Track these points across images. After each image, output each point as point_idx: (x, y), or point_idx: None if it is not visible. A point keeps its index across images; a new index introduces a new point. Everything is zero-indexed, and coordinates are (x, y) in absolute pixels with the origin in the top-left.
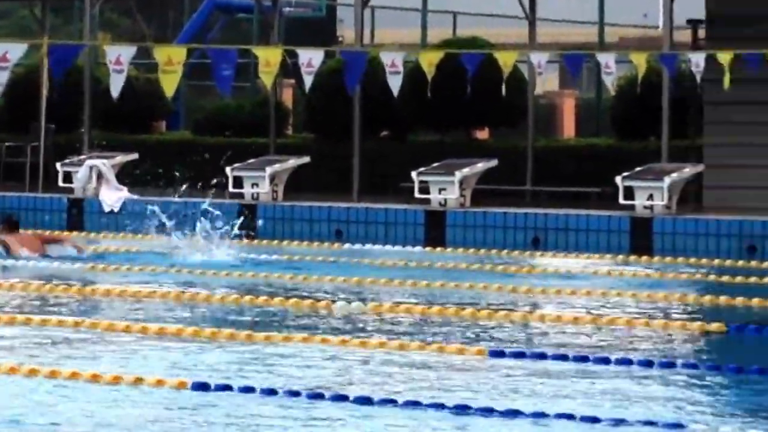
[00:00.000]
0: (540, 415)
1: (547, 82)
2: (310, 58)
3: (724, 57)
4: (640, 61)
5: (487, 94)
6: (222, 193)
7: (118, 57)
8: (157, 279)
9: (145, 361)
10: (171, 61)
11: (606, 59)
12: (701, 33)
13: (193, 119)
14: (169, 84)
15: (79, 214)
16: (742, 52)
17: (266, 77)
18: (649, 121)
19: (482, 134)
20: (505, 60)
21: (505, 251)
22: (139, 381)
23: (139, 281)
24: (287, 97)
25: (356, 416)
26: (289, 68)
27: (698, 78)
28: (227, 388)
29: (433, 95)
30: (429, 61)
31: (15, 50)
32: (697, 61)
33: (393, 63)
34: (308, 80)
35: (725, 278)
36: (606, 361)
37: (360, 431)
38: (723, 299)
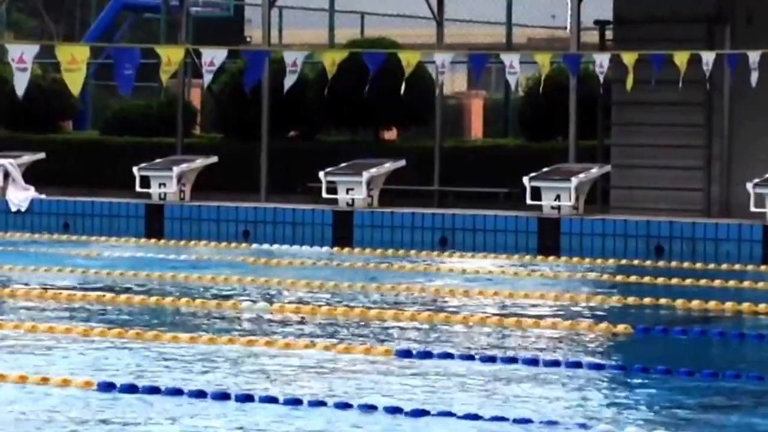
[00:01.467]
0: (446, 414)
1: (455, 82)
2: (213, 57)
3: (629, 58)
4: (544, 61)
5: (393, 95)
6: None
7: (21, 55)
8: (60, 278)
9: (52, 360)
10: (74, 60)
11: (510, 59)
12: (609, 34)
13: (101, 119)
14: (74, 83)
15: None
16: (646, 53)
17: (165, 76)
18: (557, 122)
19: (390, 135)
20: (408, 60)
21: (413, 251)
22: (45, 380)
23: (45, 280)
24: (195, 97)
25: (268, 417)
26: (198, 68)
27: (601, 78)
28: (133, 388)
29: (339, 95)
30: (331, 61)
31: None
32: (601, 61)
33: (294, 62)
34: (208, 78)
35: (633, 279)
36: (513, 361)
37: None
38: (630, 300)
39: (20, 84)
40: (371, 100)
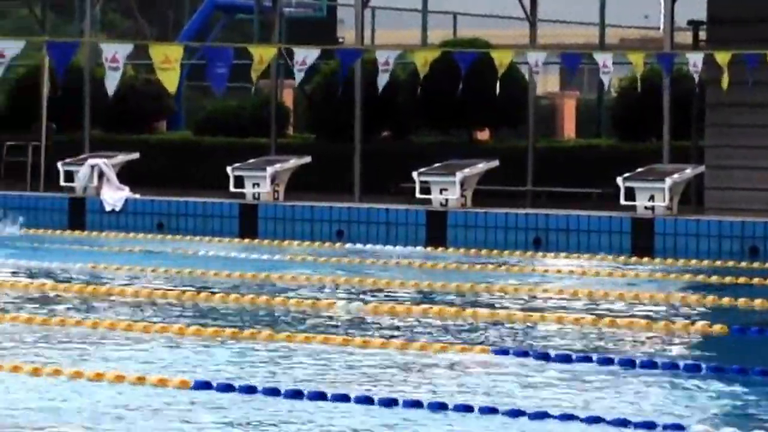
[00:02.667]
0: (543, 415)
1: (548, 83)
2: (305, 56)
3: (722, 58)
4: (637, 60)
5: (486, 95)
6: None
7: (114, 54)
8: (155, 277)
9: (147, 359)
10: (168, 59)
11: (604, 59)
12: (702, 34)
13: (194, 120)
14: (169, 81)
15: (81, 214)
16: (740, 53)
17: (256, 74)
18: (651, 122)
19: (483, 135)
20: (501, 59)
21: (507, 252)
22: (141, 380)
23: (140, 279)
24: (288, 97)
25: (358, 415)
26: (291, 68)
27: (696, 78)
28: (229, 387)
29: (432, 96)
30: (424, 60)
31: (11, 48)
32: (695, 61)
33: (386, 61)
34: (299, 77)
35: (727, 279)
36: (608, 362)
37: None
38: (725, 300)
39: (111, 83)
40: (464, 101)
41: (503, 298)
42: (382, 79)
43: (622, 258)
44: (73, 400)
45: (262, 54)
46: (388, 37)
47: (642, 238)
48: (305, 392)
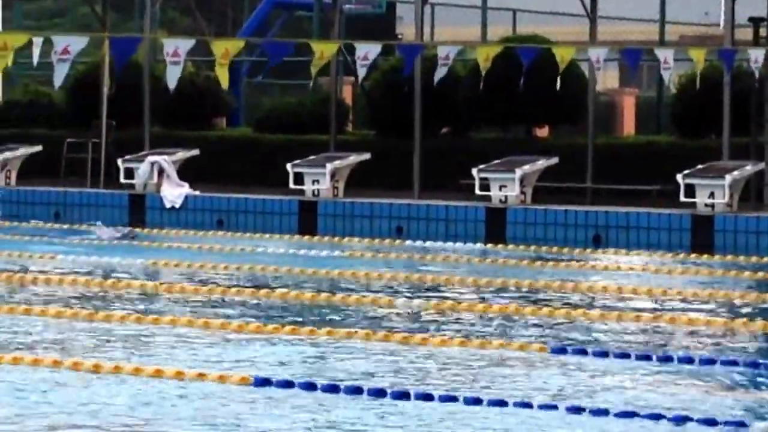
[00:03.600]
0: (602, 412)
1: (607, 79)
2: (367, 52)
3: None
4: (698, 56)
5: (546, 91)
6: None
7: (176, 49)
8: (215, 273)
9: (206, 356)
10: (228, 54)
11: (665, 55)
12: (763, 31)
13: (254, 116)
14: (224, 76)
15: (141, 211)
16: None
17: (315, 69)
18: (711, 119)
19: (542, 132)
20: (563, 55)
21: (566, 248)
22: (202, 376)
23: (200, 275)
24: (347, 94)
25: (415, 412)
26: (350, 65)
27: (756, 74)
28: (289, 384)
29: (492, 92)
30: (485, 56)
31: (76, 44)
32: (756, 57)
33: (446, 56)
34: (362, 72)
35: None
36: (668, 359)
37: (420, 427)
38: None
39: (172, 78)
40: (524, 97)
41: (562, 295)
42: (440, 73)
43: (681, 255)
44: (129, 397)
45: (323, 50)
46: (447, 34)
47: (702, 235)
48: (365, 389)
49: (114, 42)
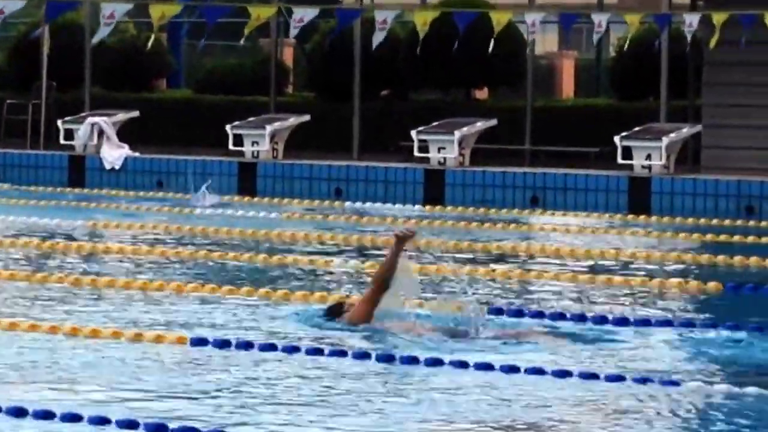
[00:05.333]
0: (537, 371)
1: (547, 43)
2: (303, 15)
3: (718, 18)
4: (633, 21)
5: (485, 54)
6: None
7: (112, 12)
8: (154, 234)
9: (143, 316)
10: (164, 17)
11: (600, 19)
12: None
13: (194, 78)
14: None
15: (81, 172)
16: (736, 13)
17: (248, 29)
18: (649, 82)
19: (482, 94)
20: (499, 19)
21: (504, 210)
22: (138, 336)
23: (139, 236)
24: (288, 56)
25: (352, 370)
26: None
27: (689, 37)
28: (226, 344)
29: (431, 55)
30: (423, 20)
31: (10, 4)
32: (691, 21)
33: (384, 20)
34: (293, 33)
35: (723, 238)
36: (604, 319)
37: (356, 384)
38: (720, 259)
39: (100, 35)
40: (462, 60)
41: (500, 256)
42: (378, 37)
43: (618, 216)
44: (71, 357)
45: (260, 13)
46: None
47: (639, 197)
48: (302, 348)
49: (50, 4)
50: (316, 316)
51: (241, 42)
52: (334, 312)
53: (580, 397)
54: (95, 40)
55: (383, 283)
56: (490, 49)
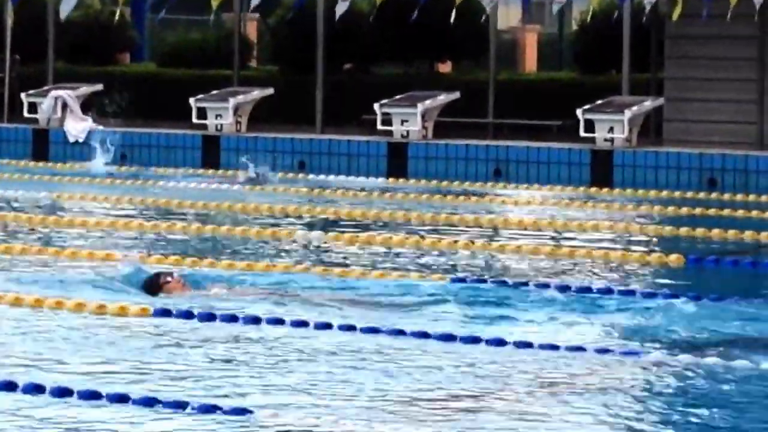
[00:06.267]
0: (499, 342)
1: (510, 16)
2: None
3: None
4: None
5: (448, 27)
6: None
7: None
8: (118, 207)
9: (107, 288)
10: None
11: None
12: None
13: (158, 52)
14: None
15: (44, 145)
16: None
17: (216, 3)
18: (611, 55)
19: (445, 68)
20: None
21: (467, 182)
22: (102, 308)
23: (103, 209)
24: (251, 30)
25: (317, 341)
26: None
27: (647, 9)
28: (189, 315)
29: (392, 26)
30: None
31: None
32: None
33: None
34: (254, 2)
35: (685, 210)
36: (566, 289)
37: (324, 354)
38: (682, 231)
39: (65, 8)
40: (425, 33)
41: (463, 228)
42: (341, 8)
43: (581, 189)
44: (33, 328)
45: None
46: None
47: (601, 170)
48: (263, 318)
49: None
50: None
51: (211, 20)
52: (152, 286)
53: (539, 368)
54: (63, 16)
55: None
56: (452, 19)
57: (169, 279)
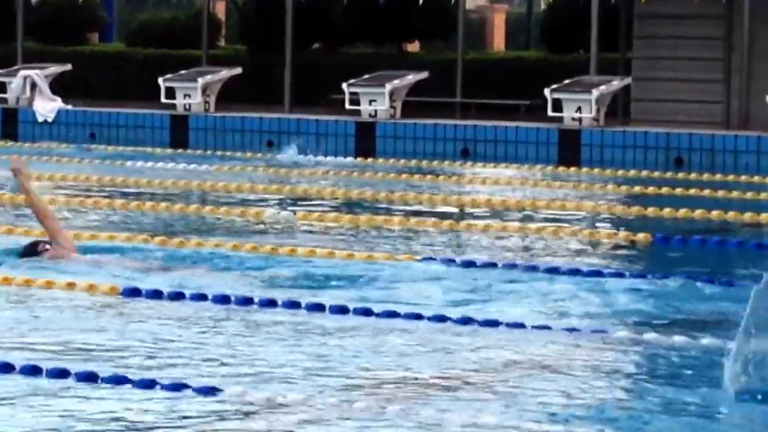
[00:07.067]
0: (467, 320)
1: None
2: None
3: None
4: None
5: (416, 7)
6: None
7: None
8: (86, 186)
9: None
10: None
11: None
12: None
13: (127, 31)
14: None
15: (13, 124)
16: None
17: None
18: (579, 35)
19: (413, 47)
20: None
21: (435, 162)
22: (71, 286)
23: (72, 188)
24: (220, 9)
25: (286, 321)
26: None
27: None
28: (158, 294)
29: (363, 8)
30: None
31: None
32: None
33: None
34: None
35: (652, 190)
36: (534, 268)
37: (289, 334)
38: (650, 210)
39: None
40: (394, 13)
41: (431, 208)
42: None
43: (549, 168)
44: (3, 308)
45: None
46: None
47: (569, 149)
48: (233, 298)
49: None
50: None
51: (195, 6)
52: (30, 252)
53: (507, 347)
54: None
55: (39, 216)
56: (420, 1)
57: (47, 247)
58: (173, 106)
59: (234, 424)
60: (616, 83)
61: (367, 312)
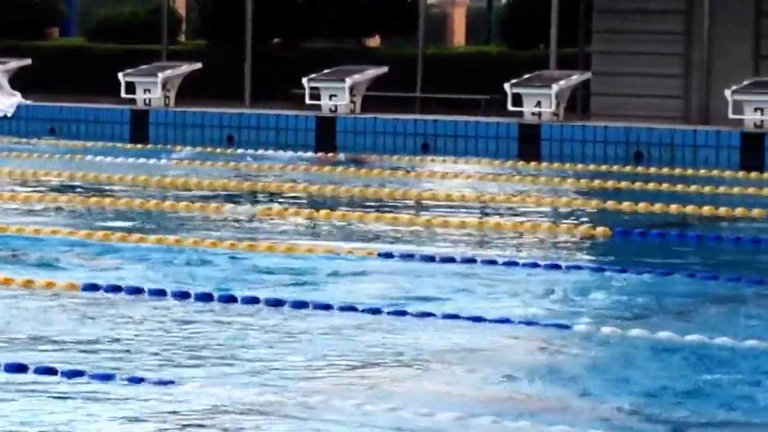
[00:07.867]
0: (426, 314)
1: None
2: None
3: None
4: None
5: (377, 2)
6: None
7: None
8: (46, 182)
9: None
10: None
11: None
12: None
13: (87, 26)
14: None
15: None
16: None
17: None
18: (539, 30)
19: (374, 42)
20: None
21: (395, 156)
22: (30, 283)
23: (31, 184)
24: (180, 4)
25: (243, 316)
26: None
27: None
28: (117, 289)
29: (324, 2)
30: None
31: None
32: None
33: None
34: None
35: (611, 184)
36: (493, 263)
37: (248, 328)
38: (609, 204)
39: None
40: (355, 7)
41: (391, 202)
42: None
43: (509, 163)
44: None
45: None
46: None
47: (528, 144)
48: (192, 294)
49: None
50: None
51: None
52: None
53: (467, 340)
54: None
55: None
56: None
57: None
58: (134, 101)
59: (189, 420)
60: (576, 78)
61: (326, 306)
